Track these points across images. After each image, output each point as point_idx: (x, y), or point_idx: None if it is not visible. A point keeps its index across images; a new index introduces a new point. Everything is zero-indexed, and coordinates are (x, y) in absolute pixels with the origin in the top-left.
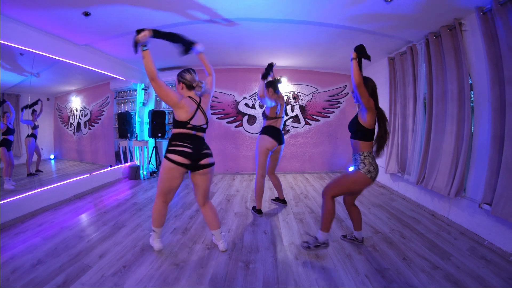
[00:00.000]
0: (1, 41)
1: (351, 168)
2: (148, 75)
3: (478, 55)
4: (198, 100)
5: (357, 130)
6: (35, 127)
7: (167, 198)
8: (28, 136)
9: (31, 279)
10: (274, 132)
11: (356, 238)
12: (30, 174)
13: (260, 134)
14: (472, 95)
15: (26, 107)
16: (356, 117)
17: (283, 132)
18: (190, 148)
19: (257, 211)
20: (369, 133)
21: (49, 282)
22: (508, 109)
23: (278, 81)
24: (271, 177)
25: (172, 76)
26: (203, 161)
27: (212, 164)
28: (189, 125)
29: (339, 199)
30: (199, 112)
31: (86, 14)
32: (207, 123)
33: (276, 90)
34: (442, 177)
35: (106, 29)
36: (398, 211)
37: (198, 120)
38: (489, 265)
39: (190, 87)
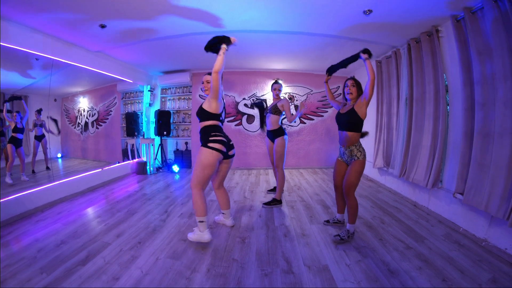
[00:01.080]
0: (20, 48)
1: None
2: (216, 68)
3: (452, 59)
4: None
5: (356, 124)
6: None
7: (205, 185)
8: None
9: (56, 256)
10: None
11: (339, 220)
12: (34, 172)
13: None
14: (447, 96)
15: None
16: (354, 112)
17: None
18: (225, 138)
19: (279, 201)
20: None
21: (73, 257)
22: (477, 108)
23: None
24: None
25: (179, 78)
26: (231, 152)
27: (234, 154)
28: (221, 118)
29: (331, 186)
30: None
31: (102, 26)
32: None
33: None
34: (421, 170)
35: (118, 38)
36: (382, 201)
37: (224, 114)
38: (461, 248)
39: None
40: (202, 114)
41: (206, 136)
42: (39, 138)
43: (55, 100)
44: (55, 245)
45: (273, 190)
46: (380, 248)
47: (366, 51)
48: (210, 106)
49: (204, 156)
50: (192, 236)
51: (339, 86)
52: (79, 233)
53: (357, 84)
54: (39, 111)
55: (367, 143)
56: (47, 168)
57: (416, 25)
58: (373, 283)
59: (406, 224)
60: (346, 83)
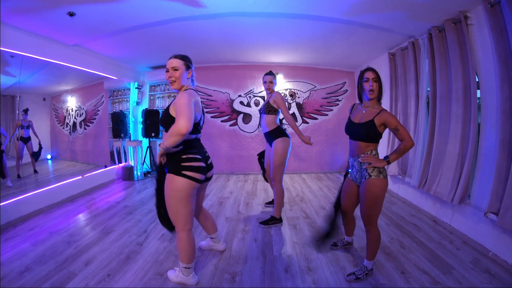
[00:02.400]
0: None
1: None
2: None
3: (485, 52)
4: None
5: (375, 137)
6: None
7: (192, 223)
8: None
9: (19, 285)
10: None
11: (348, 242)
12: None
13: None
14: (478, 95)
15: None
16: (373, 125)
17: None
18: (203, 158)
19: (279, 219)
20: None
21: None
22: None
23: None
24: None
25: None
26: (209, 173)
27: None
28: (199, 126)
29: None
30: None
31: (71, 14)
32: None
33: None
34: (446, 182)
35: (93, 28)
36: (398, 216)
37: (203, 119)
38: (493, 279)
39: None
40: (169, 122)
41: (176, 157)
42: (25, 140)
43: (44, 99)
44: (19, 273)
45: (272, 202)
46: (403, 285)
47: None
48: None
49: (178, 189)
50: (174, 278)
51: (345, 82)
52: (46, 257)
53: (379, 79)
54: (25, 111)
55: (379, 147)
56: (35, 171)
57: (440, 10)
58: None
59: (428, 247)
60: (365, 75)
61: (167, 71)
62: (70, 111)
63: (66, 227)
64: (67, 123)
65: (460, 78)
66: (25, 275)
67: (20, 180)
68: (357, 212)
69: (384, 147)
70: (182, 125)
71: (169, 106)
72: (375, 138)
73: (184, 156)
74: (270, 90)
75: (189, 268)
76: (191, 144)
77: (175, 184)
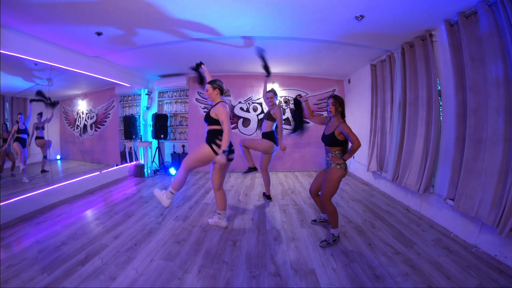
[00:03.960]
0: (19, 55)
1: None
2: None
3: (445, 64)
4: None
5: (337, 143)
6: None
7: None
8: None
9: (57, 256)
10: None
11: (325, 219)
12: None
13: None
14: (440, 101)
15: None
16: (333, 137)
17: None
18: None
19: (268, 196)
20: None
21: (73, 258)
22: (469, 114)
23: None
24: (264, 174)
25: (176, 82)
26: (231, 156)
27: (233, 159)
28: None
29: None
30: None
31: (99, 34)
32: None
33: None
34: (413, 175)
35: (114, 45)
36: (375, 205)
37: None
38: (450, 254)
39: (222, 92)
40: (210, 119)
41: (213, 137)
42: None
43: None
44: (55, 247)
45: (264, 194)
46: (368, 253)
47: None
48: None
49: (203, 151)
50: (212, 222)
51: (334, 89)
52: (78, 235)
53: (338, 102)
54: (40, 114)
55: (362, 147)
56: (43, 171)
57: (410, 29)
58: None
59: (396, 228)
60: (328, 101)
61: (207, 90)
62: (81, 113)
63: (91, 213)
64: (78, 125)
65: (425, 86)
66: (62, 248)
67: (42, 175)
68: (342, 204)
69: (365, 147)
70: (227, 127)
71: (209, 110)
72: (337, 143)
73: (218, 139)
74: (272, 103)
75: (222, 214)
76: (220, 133)
77: (204, 148)
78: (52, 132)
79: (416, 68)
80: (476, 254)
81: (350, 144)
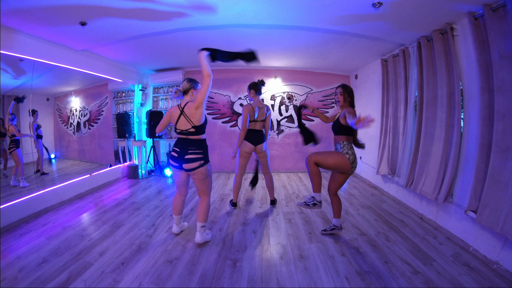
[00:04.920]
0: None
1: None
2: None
3: (469, 61)
4: (182, 107)
5: (342, 129)
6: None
7: (178, 191)
8: None
9: (37, 276)
10: (250, 136)
11: (335, 225)
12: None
13: None
14: (462, 101)
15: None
16: (338, 122)
17: (264, 133)
18: (176, 152)
19: (233, 204)
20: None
21: (54, 279)
22: (497, 118)
23: (262, 83)
24: (265, 176)
25: (172, 77)
26: (186, 166)
27: (193, 169)
28: (177, 130)
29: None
30: (182, 117)
31: (83, 23)
32: (194, 127)
33: (257, 93)
34: (430, 182)
35: (102, 36)
36: (387, 213)
37: (182, 125)
38: (471, 272)
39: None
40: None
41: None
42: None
43: (48, 99)
44: (37, 264)
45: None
46: (386, 273)
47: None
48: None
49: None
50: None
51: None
52: (61, 250)
53: (347, 91)
54: (34, 112)
55: (371, 147)
56: (37, 171)
57: (428, 21)
58: None
59: (412, 242)
60: (336, 91)
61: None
62: (74, 111)
63: (78, 222)
64: (71, 123)
65: (445, 85)
66: (43, 266)
67: (31, 177)
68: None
69: (375, 148)
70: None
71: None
72: (341, 130)
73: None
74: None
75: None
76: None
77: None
78: (46, 130)
79: (434, 65)
80: (498, 271)
81: (351, 135)
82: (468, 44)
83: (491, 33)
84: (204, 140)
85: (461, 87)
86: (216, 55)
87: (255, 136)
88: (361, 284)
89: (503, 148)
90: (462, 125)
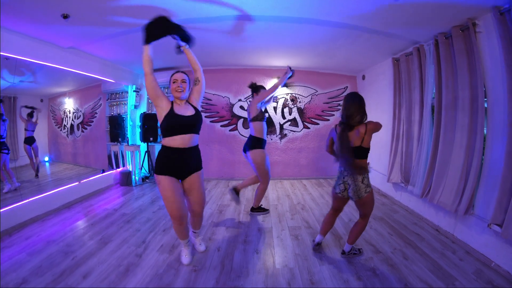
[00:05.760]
0: None
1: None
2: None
3: (494, 60)
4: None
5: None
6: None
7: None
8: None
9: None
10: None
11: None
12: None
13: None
14: (486, 105)
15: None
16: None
17: (251, 138)
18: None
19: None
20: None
21: None
22: None
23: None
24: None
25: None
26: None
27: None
28: None
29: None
30: None
31: (65, 16)
32: None
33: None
34: (450, 192)
35: (88, 32)
36: (400, 225)
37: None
38: None
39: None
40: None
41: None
42: (29, 141)
43: (42, 100)
44: (16, 284)
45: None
46: None
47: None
48: None
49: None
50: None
51: (346, 87)
52: (43, 269)
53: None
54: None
55: (380, 153)
56: (36, 175)
57: (448, 16)
58: None
59: (431, 258)
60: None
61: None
62: (68, 113)
63: (63, 236)
64: (65, 125)
65: (467, 87)
66: None
67: (18, 184)
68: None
69: (386, 154)
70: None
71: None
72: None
73: None
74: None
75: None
76: None
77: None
78: (40, 132)
79: (454, 64)
80: None
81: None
82: (492, 42)
83: None
84: (197, 145)
85: (484, 89)
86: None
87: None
88: None
89: None
90: (485, 130)
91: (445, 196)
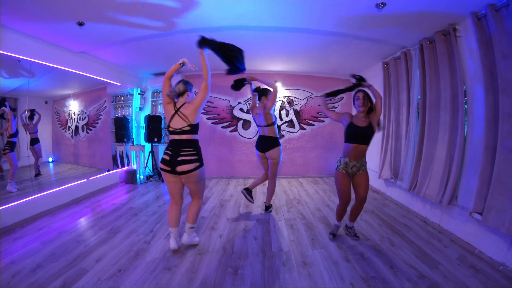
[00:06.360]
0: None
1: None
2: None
3: (472, 62)
4: (178, 107)
5: (372, 137)
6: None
7: (173, 200)
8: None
9: (31, 282)
10: (257, 141)
11: (349, 226)
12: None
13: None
14: (465, 103)
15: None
16: (371, 127)
17: (268, 139)
18: (168, 155)
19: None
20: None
21: (48, 285)
22: (502, 120)
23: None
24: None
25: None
26: (179, 168)
27: (187, 172)
28: (170, 128)
29: (333, 199)
30: (176, 116)
31: (80, 24)
32: (190, 125)
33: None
34: (434, 184)
35: (101, 38)
36: (390, 217)
37: (177, 124)
38: (477, 274)
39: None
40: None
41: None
42: (33, 142)
43: (46, 102)
44: (31, 269)
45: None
46: (392, 278)
47: (362, 79)
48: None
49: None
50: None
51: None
52: (57, 255)
53: (368, 97)
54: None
55: (372, 152)
56: (36, 175)
57: (431, 22)
58: None
59: (417, 245)
60: (357, 95)
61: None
62: (73, 114)
63: (74, 227)
64: (69, 127)
65: (448, 87)
66: (38, 272)
67: (27, 181)
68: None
69: (377, 152)
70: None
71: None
72: (372, 138)
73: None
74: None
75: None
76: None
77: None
78: (44, 133)
79: (437, 67)
80: (504, 272)
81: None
82: (471, 45)
83: (495, 33)
84: (197, 141)
85: (464, 89)
86: (215, 48)
87: (258, 142)
88: None
89: (508, 149)
90: (466, 127)
91: (430, 189)
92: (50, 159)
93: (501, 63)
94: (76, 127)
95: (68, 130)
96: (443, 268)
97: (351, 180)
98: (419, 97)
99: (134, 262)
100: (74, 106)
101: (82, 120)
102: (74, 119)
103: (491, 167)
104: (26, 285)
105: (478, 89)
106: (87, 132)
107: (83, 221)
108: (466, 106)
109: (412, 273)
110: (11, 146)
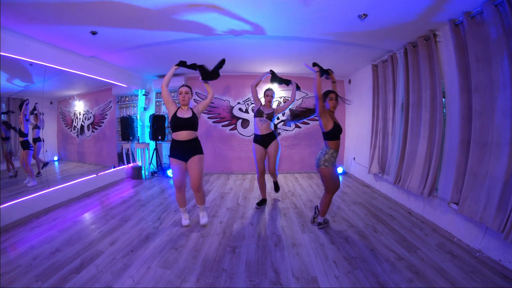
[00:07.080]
0: (14, 56)
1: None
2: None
3: (450, 65)
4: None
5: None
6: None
7: (178, 189)
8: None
9: (51, 263)
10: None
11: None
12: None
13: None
14: (444, 102)
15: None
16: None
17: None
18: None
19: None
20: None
21: (67, 265)
22: (474, 116)
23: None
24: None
25: (174, 82)
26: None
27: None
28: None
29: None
30: (183, 111)
31: (93, 33)
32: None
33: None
34: (416, 178)
35: (111, 45)
36: (377, 208)
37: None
38: (454, 259)
39: None
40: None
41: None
42: (34, 140)
43: (51, 103)
44: (50, 253)
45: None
46: (371, 259)
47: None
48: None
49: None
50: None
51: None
52: (73, 241)
53: (337, 96)
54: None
55: (363, 148)
56: (38, 173)
57: (413, 29)
58: None
59: (399, 233)
60: (330, 96)
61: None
62: (78, 114)
63: (87, 217)
64: (75, 126)
65: (428, 88)
66: (57, 255)
67: (41, 177)
68: (344, 207)
69: (366, 148)
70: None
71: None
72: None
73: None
74: (269, 103)
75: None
76: None
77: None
78: (49, 133)
79: (419, 69)
80: (480, 258)
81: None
82: (449, 49)
83: (469, 38)
84: (195, 138)
85: (443, 89)
86: (203, 73)
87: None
88: (348, 267)
89: (480, 143)
90: (444, 124)
91: (413, 182)
92: (55, 158)
93: (473, 65)
94: (82, 126)
95: (74, 129)
96: (421, 252)
97: None
98: (403, 97)
99: (144, 244)
100: (79, 106)
101: (88, 119)
102: (80, 118)
103: (465, 160)
104: (47, 266)
105: (454, 89)
106: (92, 131)
107: (95, 212)
108: (444, 105)
109: (391, 255)
110: (28, 145)
